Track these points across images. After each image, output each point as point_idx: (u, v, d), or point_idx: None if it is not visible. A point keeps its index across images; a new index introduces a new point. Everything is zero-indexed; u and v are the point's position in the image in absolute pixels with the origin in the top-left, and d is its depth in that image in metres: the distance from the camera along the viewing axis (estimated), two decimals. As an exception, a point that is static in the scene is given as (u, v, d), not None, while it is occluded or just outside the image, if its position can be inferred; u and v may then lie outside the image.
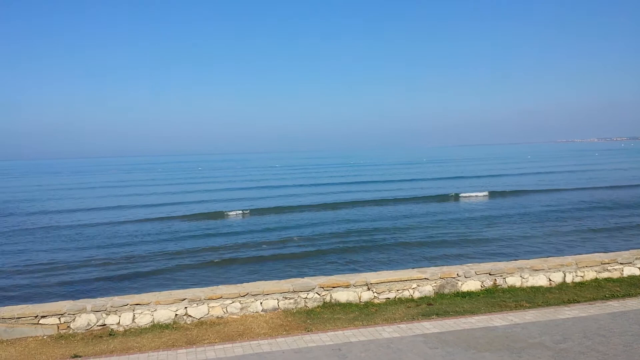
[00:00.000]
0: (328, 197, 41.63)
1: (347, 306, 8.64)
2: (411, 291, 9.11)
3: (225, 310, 8.22)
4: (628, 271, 10.11)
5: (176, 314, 8.07)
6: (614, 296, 8.84)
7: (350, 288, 8.82)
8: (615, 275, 10.01)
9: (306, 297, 8.59)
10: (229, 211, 32.99)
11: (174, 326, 7.91)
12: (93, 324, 7.82)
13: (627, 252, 10.78)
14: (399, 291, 9.03)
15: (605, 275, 9.95)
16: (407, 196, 40.58)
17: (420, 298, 9.03)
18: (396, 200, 37.86)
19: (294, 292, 8.53)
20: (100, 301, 8.09)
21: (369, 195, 42.32)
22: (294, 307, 8.52)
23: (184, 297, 8.12)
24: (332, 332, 7.35)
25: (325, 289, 8.70)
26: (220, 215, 32.05)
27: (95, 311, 7.83)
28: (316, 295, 8.65)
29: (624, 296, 8.83)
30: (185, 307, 8.10)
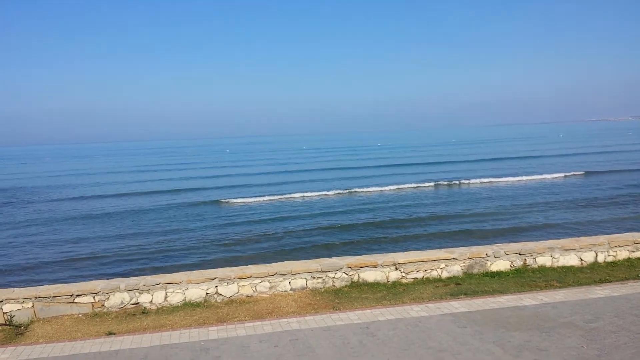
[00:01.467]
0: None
1: (374, 286, 8.67)
2: (439, 271, 9.09)
3: (254, 289, 8.35)
4: (663, 251, 9.88)
5: (207, 293, 8.23)
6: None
7: (378, 268, 8.84)
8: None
9: (334, 277, 8.66)
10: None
11: (205, 304, 8.08)
12: (126, 303, 8.04)
13: (662, 231, 10.53)
14: (427, 271, 9.02)
15: (639, 254, 9.75)
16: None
17: (449, 278, 9.01)
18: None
19: (322, 271, 8.60)
20: (133, 280, 8.29)
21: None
22: (322, 287, 8.59)
23: (215, 276, 8.27)
24: (360, 311, 7.41)
25: (353, 268, 8.74)
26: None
27: (128, 290, 8.04)
28: (344, 274, 8.71)
29: (658, 276, 8.66)
30: (216, 286, 8.25)
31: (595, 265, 9.45)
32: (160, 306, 8.08)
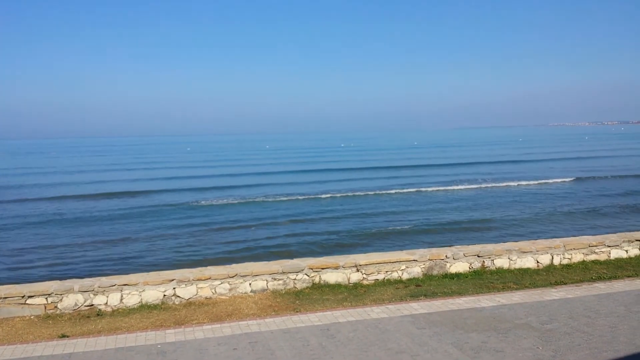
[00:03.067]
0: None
1: (336, 287, 8.66)
2: (400, 272, 9.14)
3: (214, 291, 8.22)
4: (615, 254, 10.20)
5: (164, 295, 8.06)
6: (600, 278, 8.93)
7: (340, 269, 8.83)
8: (603, 257, 10.10)
9: (295, 278, 8.60)
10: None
11: (162, 307, 7.91)
12: (81, 304, 7.80)
13: (614, 234, 10.87)
14: (388, 272, 9.06)
15: (593, 257, 10.04)
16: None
17: (409, 279, 9.07)
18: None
19: (283, 273, 8.53)
20: (88, 281, 8.06)
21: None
22: (282, 288, 8.53)
23: (173, 278, 8.11)
24: (321, 313, 7.38)
25: (314, 270, 8.71)
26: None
27: (82, 291, 7.81)
28: (305, 276, 8.67)
29: (610, 278, 8.92)
30: (174, 288, 8.09)
31: (551, 268, 9.67)
32: (115, 308, 7.87)
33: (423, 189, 33.19)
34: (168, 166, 64.08)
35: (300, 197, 30.73)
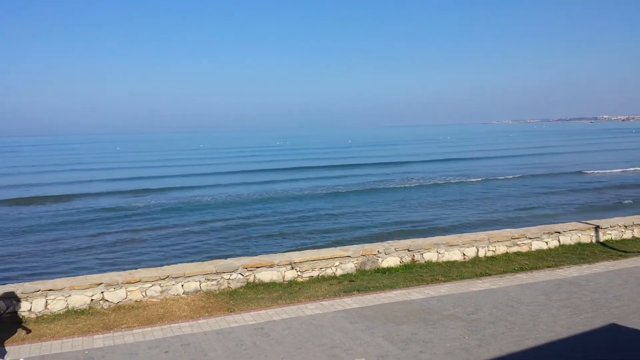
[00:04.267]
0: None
1: (270, 286, 8.67)
2: (334, 269, 9.26)
3: (144, 294, 8.03)
4: (536, 245, 10.77)
5: (92, 299, 7.79)
6: (522, 269, 9.40)
7: (274, 268, 8.85)
8: (524, 249, 10.64)
9: (229, 278, 8.54)
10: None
11: (90, 311, 7.64)
12: (2, 312, 7.40)
13: (535, 227, 11.48)
14: (322, 269, 9.16)
15: (515, 249, 10.56)
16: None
17: (343, 275, 9.21)
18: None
19: (217, 273, 8.45)
20: (10, 287, 7.66)
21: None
22: (216, 289, 8.45)
23: (101, 282, 7.85)
24: (255, 312, 7.37)
25: (248, 269, 8.68)
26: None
27: (4, 298, 7.41)
28: (239, 275, 8.62)
29: (531, 269, 9.41)
30: (102, 292, 7.83)
31: (476, 260, 10.09)
32: (40, 314, 7.53)
33: (342, 190, 33.53)
34: (89, 167, 61.00)
35: (228, 199, 30.43)
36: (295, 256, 9.14)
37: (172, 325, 6.96)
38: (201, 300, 7.98)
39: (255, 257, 9.17)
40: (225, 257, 9.67)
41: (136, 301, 7.98)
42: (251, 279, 8.72)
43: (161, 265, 8.88)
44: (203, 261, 9.28)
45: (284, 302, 7.82)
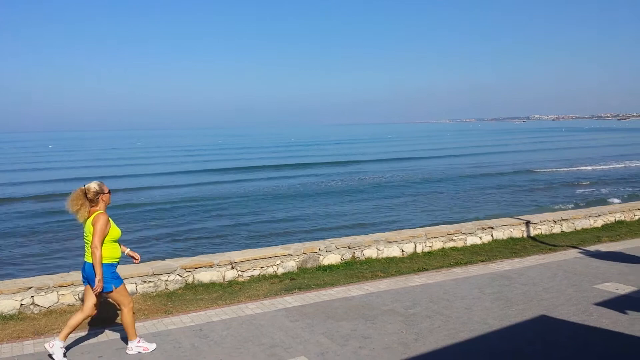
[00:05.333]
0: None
1: (210, 286, 8.55)
2: (275, 267, 9.24)
3: (77, 297, 7.73)
4: (470, 240, 11.13)
5: (21, 304, 7.43)
6: (457, 263, 9.69)
7: (214, 268, 8.73)
8: (460, 244, 10.98)
9: (167, 280, 8.36)
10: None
11: (20, 317, 7.29)
12: None
13: (470, 223, 11.87)
14: (263, 268, 9.12)
15: (451, 244, 10.87)
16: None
17: (284, 274, 9.21)
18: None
19: (154, 274, 8.25)
20: None
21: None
22: (153, 291, 8.24)
23: (31, 286, 7.50)
24: (194, 313, 7.25)
25: (187, 270, 8.52)
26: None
27: None
28: (178, 277, 8.45)
29: (466, 263, 9.71)
30: (32, 296, 7.48)
31: (414, 256, 10.33)
32: (-37, 323, 7.11)
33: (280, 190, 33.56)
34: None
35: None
36: (236, 256, 9.05)
37: (107, 329, 6.74)
38: (137, 303, 7.76)
39: (194, 258, 9.02)
40: (163, 258, 9.46)
41: (69, 305, 7.67)
42: (190, 279, 8.57)
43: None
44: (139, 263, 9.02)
45: (223, 302, 7.73)
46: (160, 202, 27.84)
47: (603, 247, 10.60)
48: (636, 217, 13.45)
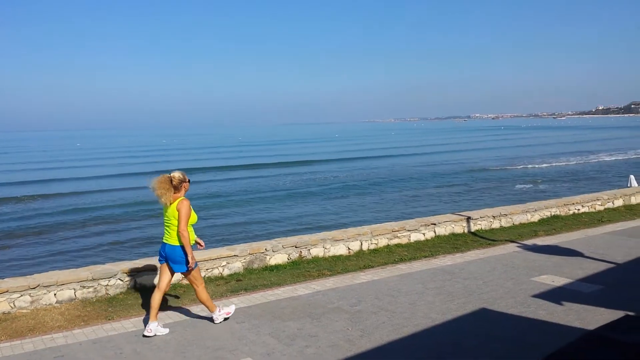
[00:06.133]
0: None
1: (153, 290, 8.33)
2: (221, 269, 9.12)
3: (12, 305, 7.39)
4: (414, 237, 11.35)
5: (-51, 315, 7.03)
6: (402, 260, 9.85)
7: (157, 271, 8.52)
8: (404, 241, 11.17)
9: (107, 284, 8.10)
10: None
11: (-53, 327, 6.89)
12: None
13: (413, 220, 12.09)
14: (209, 270, 8.98)
15: (396, 241, 11.05)
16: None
17: (230, 275, 9.10)
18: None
19: (93, 279, 7.97)
20: None
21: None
22: (93, 296, 7.97)
23: (-41, 295, 7.11)
24: (136, 318, 7.06)
25: (129, 274, 8.28)
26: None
27: None
28: (119, 281, 8.20)
29: (410, 259, 9.88)
30: (-40, 307, 7.10)
31: (360, 253, 10.43)
32: None
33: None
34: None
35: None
36: (180, 258, 8.86)
37: (44, 337, 6.47)
38: (76, 309, 7.49)
39: (136, 261, 8.77)
40: (104, 262, 9.16)
41: (3, 313, 7.32)
42: (132, 284, 8.34)
43: (31, 274, 8.21)
44: (78, 267, 8.72)
45: (167, 306, 7.56)
46: (99, 207, 27.01)
47: (540, 241, 11.04)
48: (571, 212, 14.06)
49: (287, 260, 9.79)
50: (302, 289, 8.10)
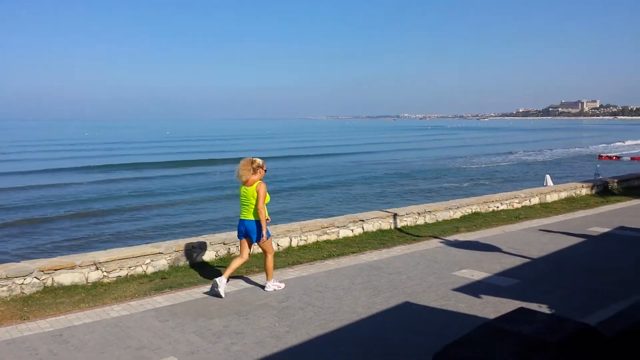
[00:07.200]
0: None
1: (72, 289, 8.00)
2: (145, 267, 8.87)
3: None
4: (343, 233, 11.50)
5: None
6: (330, 256, 9.96)
7: (76, 269, 8.17)
8: (333, 237, 11.30)
9: (22, 283, 7.68)
10: None
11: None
12: None
13: (342, 216, 12.25)
14: (132, 268, 8.71)
15: (325, 237, 11.15)
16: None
17: (154, 273, 8.86)
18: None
19: (7, 278, 7.54)
20: None
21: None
22: (7, 295, 7.54)
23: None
24: (53, 318, 6.75)
25: (45, 272, 7.90)
26: None
27: None
28: (35, 280, 7.81)
29: (338, 255, 10.01)
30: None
31: (289, 249, 10.45)
32: None
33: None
34: None
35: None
36: (101, 256, 8.54)
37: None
38: (-12, 310, 7.07)
39: (54, 259, 8.38)
40: (18, 260, 8.69)
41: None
42: (49, 282, 7.95)
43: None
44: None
45: (86, 305, 7.27)
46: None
47: (461, 237, 11.48)
48: (490, 209, 14.72)
49: (214, 257, 9.66)
50: (230, 286, 8.01)
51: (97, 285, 8.18)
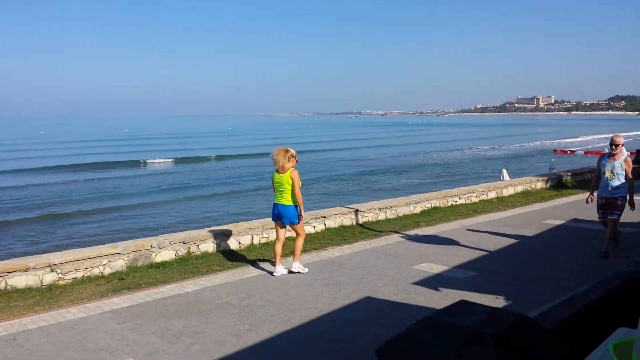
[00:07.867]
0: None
1: (26, 291, 7.76)
2: (102, 268, 8.68)
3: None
4: (306, 230, 11.40)
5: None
6: (292, 253, 9.93)
7: (30, 271, 7.94)
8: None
9: (-28, 288, 7.42)
10: None
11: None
12: None
13: (304, 213, 12.22)
14: (88, 269, 8.51)
15: (287, 234, 11.08)
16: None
17: (112, 274, 8.68)
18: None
19: (-45, 283, 7.28)
20: None
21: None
22: (-44, 301, 7.27)
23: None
24: (7, 322, 6.54)
25: (-3, 275, 7.64)
26: None
27: None
28: (-14, 283, 7.55)
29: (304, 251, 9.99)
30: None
31: (252, 247, 10.40)
32: None
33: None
34: None
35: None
36: (56, 257, 8.32)
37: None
38: None
39: (6, 262, 8.11)
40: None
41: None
42: (2, 285, 7.70)
43: None
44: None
45: (41, 308, 7.07)
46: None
47: (421, 232, 11.65)
48: (449, 204, 14.97)
49: (174, 256, 9.53)
50: (190, 286, 7.92)
51: (52, 287, 7.96)
